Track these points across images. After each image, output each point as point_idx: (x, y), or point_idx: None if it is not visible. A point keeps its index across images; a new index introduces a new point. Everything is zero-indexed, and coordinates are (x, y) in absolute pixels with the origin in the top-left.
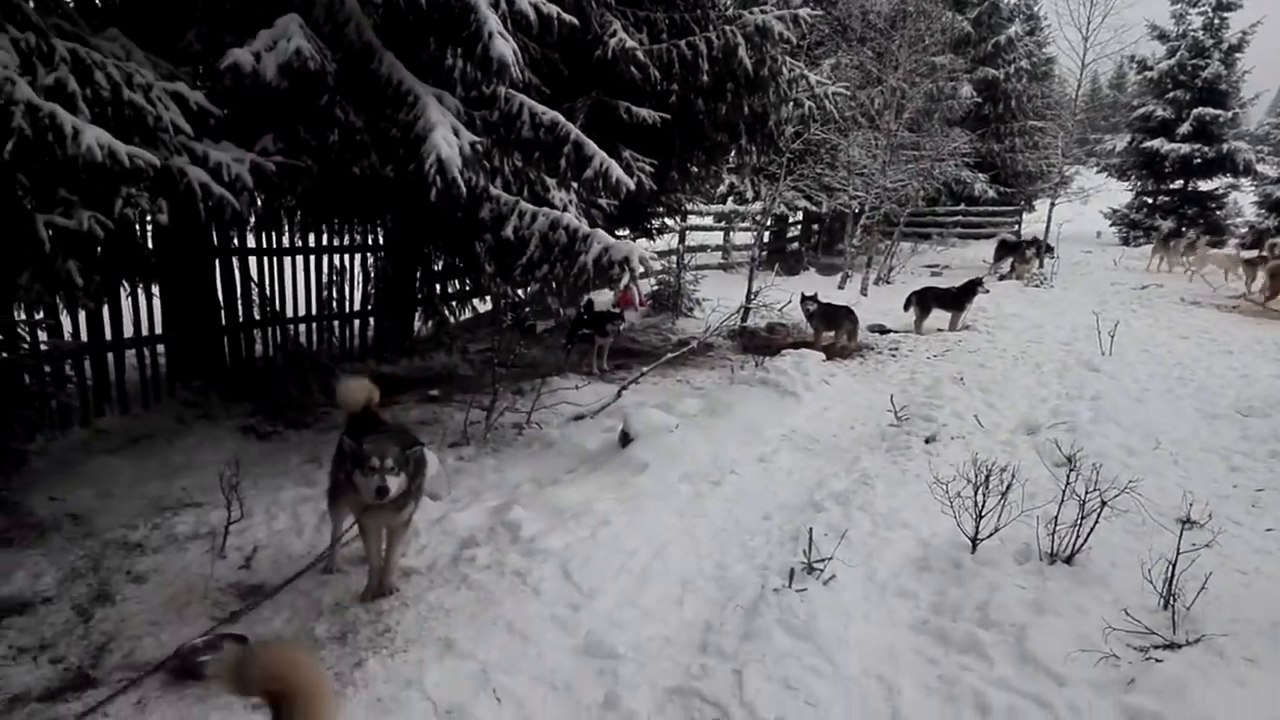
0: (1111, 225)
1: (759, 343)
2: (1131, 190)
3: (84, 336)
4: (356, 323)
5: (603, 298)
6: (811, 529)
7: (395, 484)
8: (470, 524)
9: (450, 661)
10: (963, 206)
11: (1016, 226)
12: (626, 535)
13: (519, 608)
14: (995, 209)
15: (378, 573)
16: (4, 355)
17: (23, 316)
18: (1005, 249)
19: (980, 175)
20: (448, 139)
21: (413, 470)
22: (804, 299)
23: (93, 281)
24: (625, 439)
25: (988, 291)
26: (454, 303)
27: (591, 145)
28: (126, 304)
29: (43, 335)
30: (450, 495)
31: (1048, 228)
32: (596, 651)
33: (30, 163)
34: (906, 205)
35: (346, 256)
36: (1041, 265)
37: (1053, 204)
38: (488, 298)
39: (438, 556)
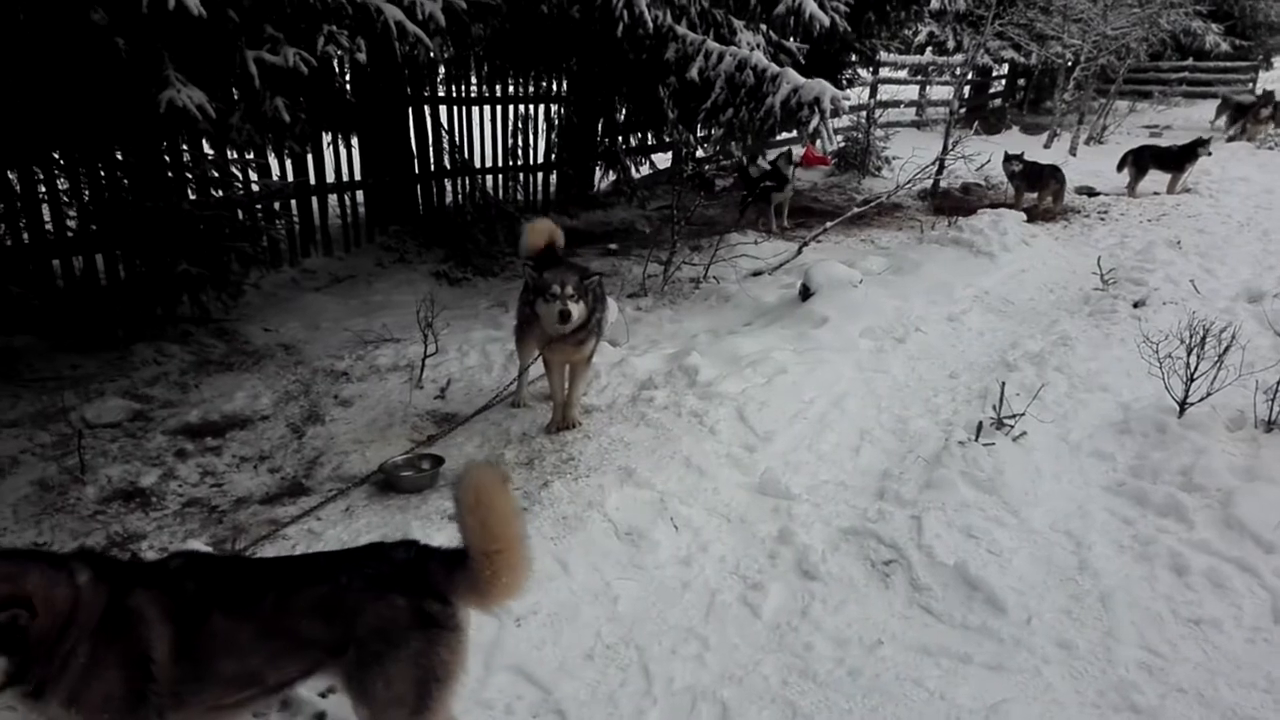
0: None
1: (952, 203)
2: None
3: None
4: (540, 175)
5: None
6: (1003, 384)
7: (576, 310)
8: (648, 368)
9: (629, 489)
10: (1190, 62)
11: (1251, 85)
12: (803, 384)
13: (695, 445)
14: (1227, 65)
15: (561, 406)
16: (221, 193)
17: (234, 157)
18: (1234, 110)
19: (1213, 26)
20: None
21: (592, 303)
22: (1007, 157)
23: (298, 121)
24: (805, 293)
25: (1210, 154)
26: (635, 156)
27: None
28: (328, 153)
29: (253, 176)
30: (629, 342)
31: None
32: (771, 490)
33: None
34: (1126, 58)
35: (531, 106)
36: (1278, 126)
37: None
38: (667, 155)
39: (617, 396)
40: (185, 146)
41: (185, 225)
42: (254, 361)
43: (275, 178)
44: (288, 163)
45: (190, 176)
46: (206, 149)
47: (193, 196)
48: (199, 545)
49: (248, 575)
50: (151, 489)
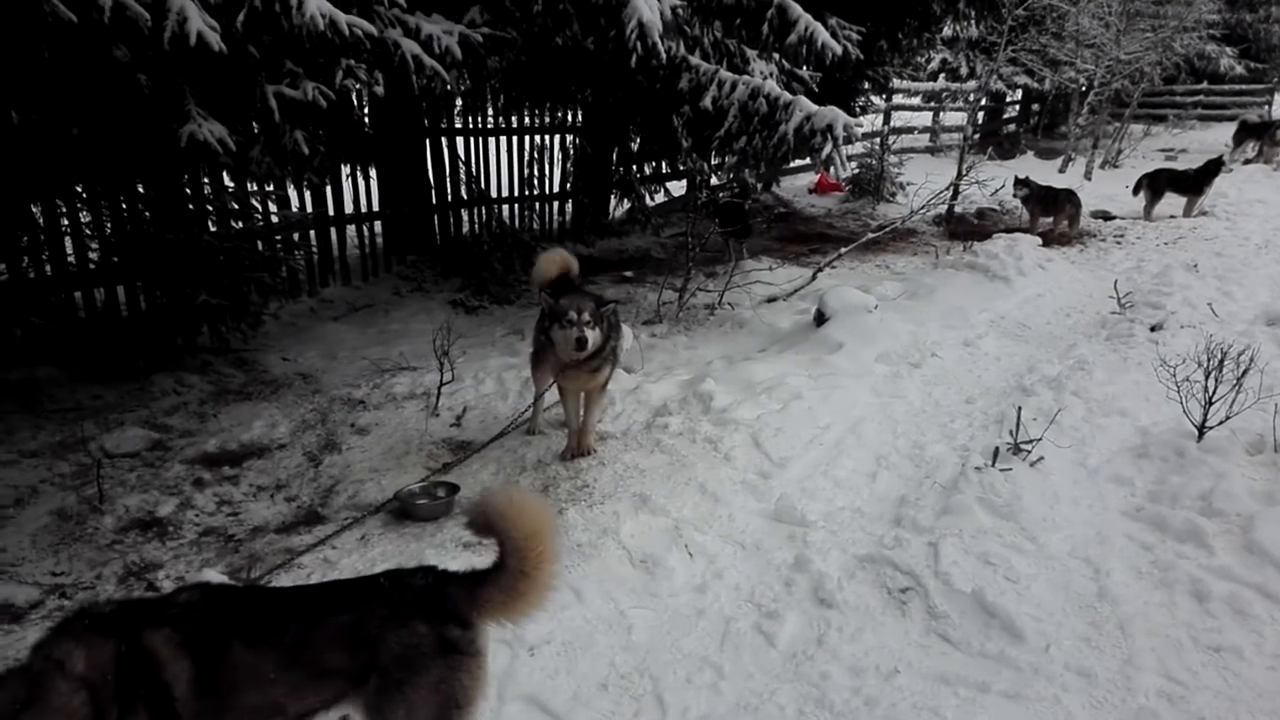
0: None
1: (967, 229)
2: None
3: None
4: (556, 204)
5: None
6: (1020, 408)
7: (592, 336)
8: (663, 394)
9: (644, 516)
10: (1205, 85)
11: (1266, 107)
12: (819, 410)
13: (710, 472)
14: (1242, 88)
15: (576, 434)
16: (240, 224)
17: (254, 188)
18: (1248, 131)
19: (1227, 49)
20: (649, 3)
21: (607, 330)
22: (1017, 182)
23: (317, 153)
24: (820, 318)
25: (1230, 170)
26: (650, 185)
27: (796, 8)
28: (346, 185)
29: (273, 208)
30: (643, 369)
31: None
32: (786, 517)
33: (259, 34)
34: (1140, 82)
35: (546, 137)
36: None
37: None
38: (681, 182)
39: (632, 423)
40: (206, 179)
41: (205, 257)
42: (272, 391)
43: (294, 209)
44: (307, 194)
45: (210, 208)
46: (227, 181)
47: (213, 228)
48: (214, 574)
49: (268, 605)
50: (169, 518)
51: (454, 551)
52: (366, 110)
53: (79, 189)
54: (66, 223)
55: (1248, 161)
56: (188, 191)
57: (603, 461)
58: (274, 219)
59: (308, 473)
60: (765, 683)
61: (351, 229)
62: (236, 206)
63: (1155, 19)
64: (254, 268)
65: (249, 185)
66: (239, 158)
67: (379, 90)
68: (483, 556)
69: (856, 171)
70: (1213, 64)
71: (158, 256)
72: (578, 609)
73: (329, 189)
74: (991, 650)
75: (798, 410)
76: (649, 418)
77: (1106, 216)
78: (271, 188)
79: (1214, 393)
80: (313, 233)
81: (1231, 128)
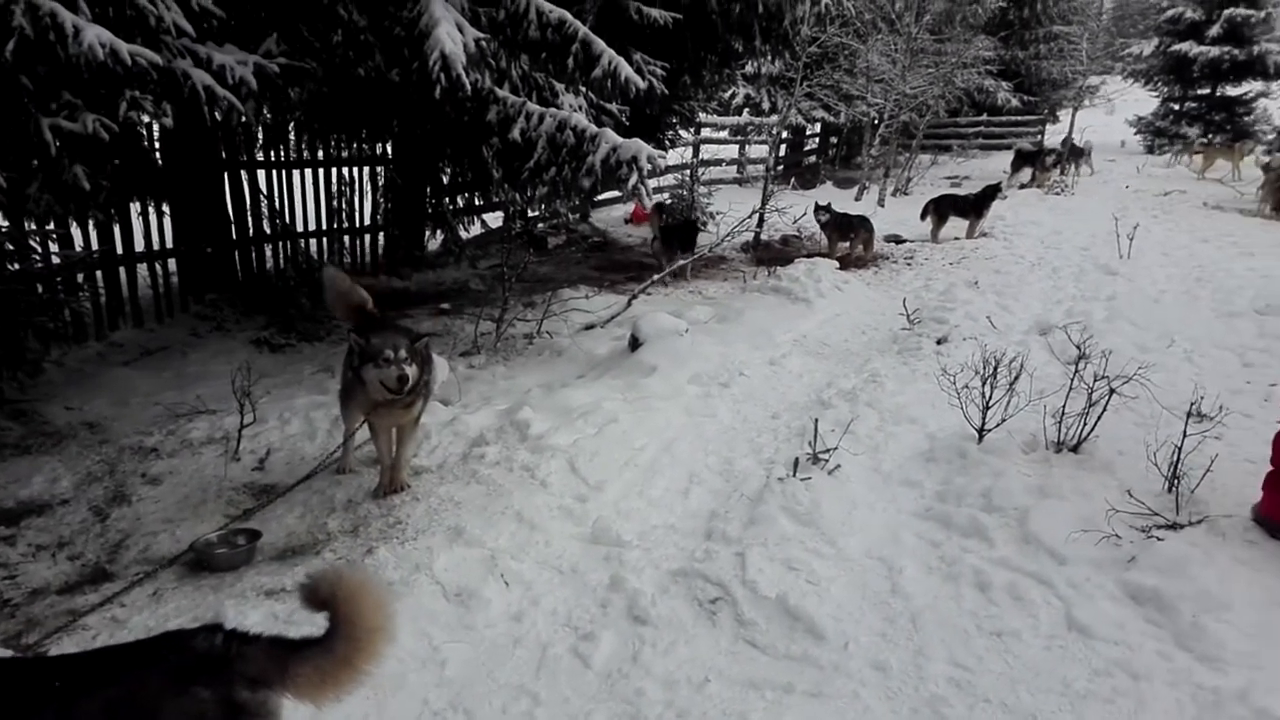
0: (1136, 134)
1: (772, 254)
2: (1158, 96)
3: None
4: (367, 237)
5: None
6: (817, 420)
7: (413, 373)
8: (480, 425)
9: (459, 549)
10: (985, 116)
11: (1039, 137)
12: (634, 433)
13: (527, 499)
14: (1018, 119)
15: (389, 470)
16: (17, 266)
17: (34, 228)
18: (1024, 158)
19: (1003, 84)
20: (451, 35)
21: (421, 365)
22: (818, 208)
23: (101, 189)
24: (634, 343)
25: (1005, 197)
26: (464, 217)
27: (600, 44)
28: (137, 222)
29: (54, 247)
30: (461, 400)
31: (1069, 136)
32: (603, 539)
33: (32, 65)
34: (926, 114)
35: (355, 169)
36: (1064, 173)
37: (1075, 111)
38: (498, 214)
39: (448, 456)
40: None
41: None
42: (54, 443)
43: (79, 248)
44: (93, 232)
45: None
46: (1, 221)
47: None
48: None
49: (15, 686)
50: None
51: (255, 601)
52: (158, 143)
53: None
54: None
55: (1023, 186)
56: None
57: (417, 496)
58: (55, 259)
59: (94, 528)
60: (581, 705)
61: (144, 268)
62: (12, 247)
63: (937, 55)
64: (32, 312)
65: (26, 224)
66: (14, 195)
67: (168, 122)
68: (286, 604)
69: (669, 202)
70: (991, 97)
71: None
72: (388, 650)
73: (117, 226)
74: (796, 652)
75: (613, 433)
76: (466, 449)
77: (898, 240)
78: (52, 226)
79: (990, 398)
80: (99, 273)
81: (1009, 156)
